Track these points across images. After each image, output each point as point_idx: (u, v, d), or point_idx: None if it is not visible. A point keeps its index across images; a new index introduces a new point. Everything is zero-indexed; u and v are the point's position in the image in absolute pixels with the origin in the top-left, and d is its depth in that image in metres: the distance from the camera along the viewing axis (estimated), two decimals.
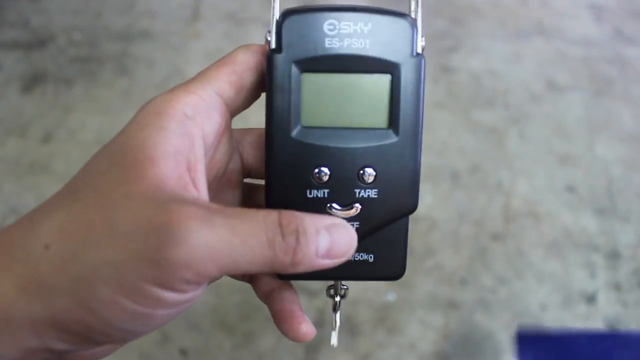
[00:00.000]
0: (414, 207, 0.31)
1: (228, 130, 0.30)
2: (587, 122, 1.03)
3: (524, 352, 0.32)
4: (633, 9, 1.23)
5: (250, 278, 0.33)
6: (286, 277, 0.32)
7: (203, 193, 0.27)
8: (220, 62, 0.29)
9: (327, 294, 0.34)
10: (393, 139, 0.29)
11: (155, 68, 1.11)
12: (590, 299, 0.82)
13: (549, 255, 0.86)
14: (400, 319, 0.80)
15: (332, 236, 0.26)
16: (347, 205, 0.30)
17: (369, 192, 0.30)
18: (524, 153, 0.98)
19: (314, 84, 0.29)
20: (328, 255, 0.26)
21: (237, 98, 0.29)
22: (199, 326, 0.79)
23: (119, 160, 0.25)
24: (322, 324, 0.79)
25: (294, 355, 0.77)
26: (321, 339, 0.78)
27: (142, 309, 0.24)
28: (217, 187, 0.31)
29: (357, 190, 0.30)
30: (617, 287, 0.83)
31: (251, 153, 0.32)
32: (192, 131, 0.26)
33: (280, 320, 0.31)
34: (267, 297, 0.32)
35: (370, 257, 0.31)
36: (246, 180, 0.33)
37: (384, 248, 0.31)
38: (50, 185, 0.93)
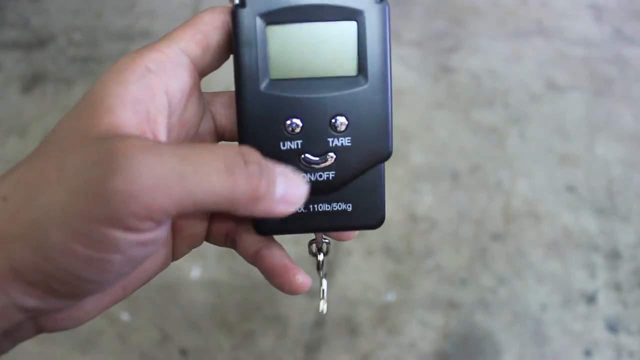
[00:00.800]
0: (388, 153, 0.30)
1: (197, 90, 0.30)
2: (587, 122, 1.03)
3: None
4: (633, 9, 1.23)
5: (233, 242, 0.33)
6: (265, 232, 0.31)
7: None
8: (185, 23, 0.29)
9: (309, 252, 0.34)
10: (363, 85, 0.29)
11: None
12: (590, 299, 0.82)
13: (549, 255, 0.86)
14: (400, 319, 0.80)
15: (288, 181, 0.26)
16: (321, 155, 0.30)
17: (342, 140, 0.30)
18: (524, 153, 0.98)
19: (280, 35, 0.29)
20: (283, 199, 0.26)
21: (204, 57, 0.29)
22: (199, 326, 0.79)
23: (79, 113, 0.25)
24: (322, 324, 0.79)
25: (294, 355, 0.77)
26: (321, 339, 0.78)
27: (96, 254, 0.23)
28: None
29: (330, 139, 0.30)
30: (617, 287, 0.83)
31: (224, 114, 0.32)
32: (154, 85, 0.26)
33: (274, 276, 0.31)
34: (254, 257, 0.32)
35: (349, 206, 0.31)
36: (221, 143, 0.33)
37: (361, 196, 0.31)
38: None
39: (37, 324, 0.27)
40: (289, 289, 0.30)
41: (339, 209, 0.31)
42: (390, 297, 0.82)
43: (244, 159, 0.24)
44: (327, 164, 0.30)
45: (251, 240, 0.32)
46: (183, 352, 0.77)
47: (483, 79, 1.09)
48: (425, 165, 0.96)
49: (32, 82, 1.10)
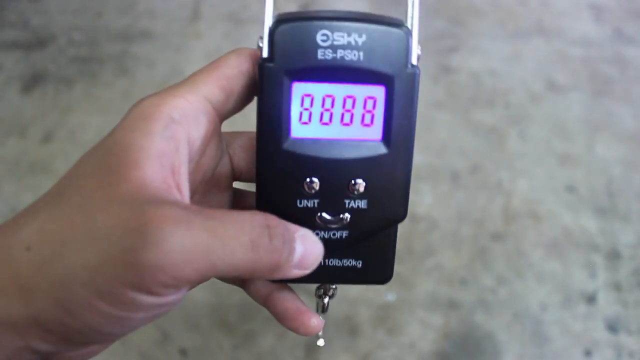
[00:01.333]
0: (403, 217, 0.31)
1: (217, 134, 0.29)
2: (587, 122, 1.03)
3: None
4: (633, 9, 1.23)
5: (242, 282, 0.33)
6: (278, 280, 0.31)
7: (186, 197, 0.26)
8: (211, 65, 0.29)
9: (315, 295, 0.34)
10: (385, 151, 0.29)
11: (156, 68, 1.11)
12: (590, 299, 0.82)
13: (549, 255, 0.86)
14: (400, 319, 0.80)
15: (305, 247, 0.27)
16: (336, 214, 0.30)
17: (358, 202, 0.29)
18: (524, 153, 0.98)
19: (305, 94, 0.28)
20: (299, 265, 0.26)
21: (227, 102, 0.29)
22: (199, 326, 0.79)
23: (104, 162, 0.25)
24: (323, 325, 0.79)
25: (294, 356, 0.77)
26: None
27: (119, 313, 0.24)
28: (205, 189, 0.31)
29: (347, 201, 0.29)
30: (617, 287, 0.83)
31: (241, 156, 0.32)
32: (178, 135, 0.26)
33: (288, 319, 0.31)
34: (266, 300, 0.32)
35: (359, 262, 0.31)
36: (236, 184, 0.33)
37: (372, 254, 0.31)
38: (50, 186, 0.93)
39: (46, 359, 0.27)
40: (304, 332, 0.31)
41: (350, 265, 0.31)
42: (390, 297, 0.82)
43: (269, 233, 0.25)
44: (342, 224, 0.30)
45: (262, 283, 0.32)
46: (183, 352, 0.77)
47: (483, 79, 1.09)
48: (425, 165, 0.96)
49: (32, 82, 1.10)
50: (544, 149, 0.99)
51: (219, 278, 0.26)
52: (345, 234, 0.30)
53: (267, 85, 0.28)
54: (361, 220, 0.30)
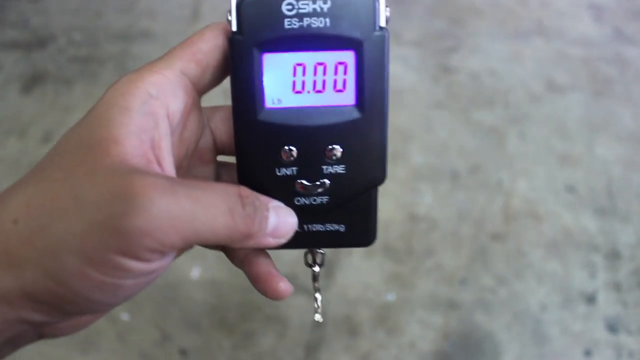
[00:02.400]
0: (381, 180, 0.31)
1: (196, 108, 0.30)
2: (587, 122, 1.03)
3: None
4: (633, 9, 1.23)
5: (223, 247, 0.34)
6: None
7: (168, 170, 0.27)
8: (186, 41, 0.29)
9: (305, 263, 0.34)
10: (359, 115, 0.29)
11: None
12: (590, 299, 0.82)
13: (549, 255, 0.86)
14: (400, 319, 0.80)
15: (278, 217, 0.28)
16: (315, 181, 0.30)
17: (336, 168, 0.30)
18: (524, 153, 0.98)
19: (276, 64, 0.29)
20: (273, 234, 0.28)
21: (204, 76, 0.29)
22: (199, 326, 0.79)
23: (85, 139, 0.26)
24: (322, 324, 0.79)
25: (294, 356, 0.77)
26: (322, 339, 0.78)
27: (109, 279, 0.24)
28: (189, 164, 0.32)
29: (324, 167, 0.30)
30: (617, 287, 0.83)
31: (223, 129, 0.32)
32: (156, 110, 0.27)
33: (258, 282, 0.32)
34: (242, 262, 0.33)
35: (342, 227, 0.32)
36: (220, 157, 0.34)
37: (354, 218, 0.32)
38: None
39: (39, 332, 0.28)
40: (272, 295, 0.32)
41: (333, 229, 0.32)
42: (390, 297, 0.82)
43: (242, 202, 0.26)
44: (322, 189, 0.30)
45: None
46: (183, 352, 0.77)
47: (483, 79, 1.09)
48: (425, 165, 0.96)
49: (32, 82, 1.10)
50: (544, 149, 0.99)
51: (199, 244, 0.26)
52: (325, 199, 0.31)
53: (238, 58, 0.28)
54: (340, 185, 0.30)
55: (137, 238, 0.23)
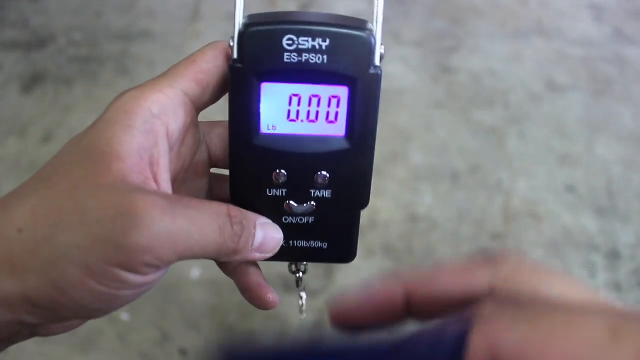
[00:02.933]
0: (365, 205, 0.33)
1: (194, 125, 0.31)
2: (587, 122, 1.03)
3: None
4: (633, 9, 1.23)
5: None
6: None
7: (164, 186, 0.29)
8: (188, 60, 0.30)
9: (289, 270, 0.36)
10: (348, 146, 0.31)
11: (156, 68, 1.11)
12: None
13: (549, 255, 0.86)
14: None
15: (265, 233, 0.30)
16: (303, 203, 0.32)
17: (323, 192, 0.32)
18: (524, 153, 0.98)
19: (273, 93, 0.30)
20: (259, 249, 0.30)
21: (203, 95, 0.30)
22: (199, 326, 0.79)
23: (89, 153, 0.27)
24: (323, 325, 0.79)
25: None
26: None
27: (107, 290, 0.26)
28: (184, 177, 0.33)
29: (312, 191, 0.32)
30: (617, 287, 0.83)
31: (219, 145, 0.34)
32: (157, 129, 0.28)
33: (248, 291, 0.34)
34: (233, 272, 0.34)
35: (325, 244, 0.34)
36: (214, 170, 0.35)
37: (337, 237, 0.34)
38: None
39: (32, 331, 0.29)
40: (260, 304, 0.33)
41: (316, 246, 0.34)
42: None
43: (231, 222, 0.28)
44: (308, 211, 0.32)
45: None
46: (183, 352, 0.77)
47: (483, 79, 1.09)
48: (425, 165, 0.96)
49: (32, 82, 1.10)
50: (544, 149, 0.99)
51: (190, 259, 0.28)
52: (311, 219, 0.33)
53: (237, 86, 0.30)
54: (326, 208, 0.32)
55: (138, 254, 0.25)
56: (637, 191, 0.93)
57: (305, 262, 0.36)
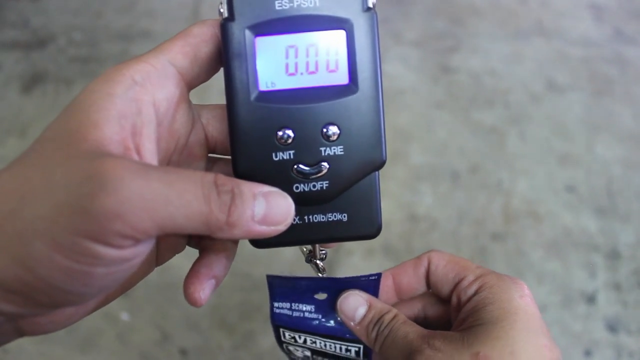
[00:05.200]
0: (382, 161, 0.30)
1: (185, 101, 0.30)
2: (587, 122, 1.03)
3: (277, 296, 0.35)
4: (633, 9, 1.23)
5: (197, 243, 0.33)
6: (260, 245, 0.31)
7: (148, 158, 0.27)
8: (175, 35, 0.29)
9: (305, 260, 0.34)
10: (353, 93, 0.29)
11: None
12: (590, 299, 0.82)
13: (549, 255, 0.86)
14: None
15: (268, 203, 0.26)
16: (313, 164, 0.30)
17: (334, 149, 0.30)
18: (524, 153, 0.98)
19: (268, 46, 0.29)
20: (264, 221, 0.26)
21: (192, 68, 0.29)
22: (199, 326, 0.79)
23: (65, 125, 0.25)
24: None
25: None
26: None
27: (77, 266, 0.23)
28: (180, 159, 0.31)
29: (322, 149, 0.29)
30: (617, 287, 0.83)
31: (215, 126, 0.32)
32: (140, 97, 0.27)
33: (188, 277, 0.31)
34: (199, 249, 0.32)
35: (344, 216, 0.31)
36: (211, 155, 0.33)
37: (357, 206, 0.31)
38: None
39: (17, 327, 0.27)
40: (184, 295, 0.30)
41: (335, 219, 0.31)
42: None
43: (217, 189, 0.25)
44: (321, 174, 0.30)
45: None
46: (183, 352, 0.77)
47: (483, 79, 1.09)
48: (425, 165, 0.96)
49: (32, 82, 1.10)
50: (544, 149, 0.99)
51: (176, 233, 0.25)
52: (325, 184, 0.30)
53: (231, 43, 0.29)
54: (340, 168, 0.30)
55: (107, 220, 0.22)
56: (637, 191, 0.93)
57: (323, 251, 0.33)
